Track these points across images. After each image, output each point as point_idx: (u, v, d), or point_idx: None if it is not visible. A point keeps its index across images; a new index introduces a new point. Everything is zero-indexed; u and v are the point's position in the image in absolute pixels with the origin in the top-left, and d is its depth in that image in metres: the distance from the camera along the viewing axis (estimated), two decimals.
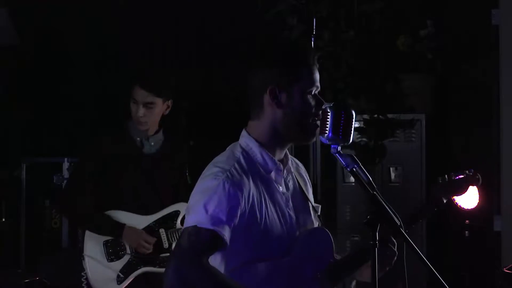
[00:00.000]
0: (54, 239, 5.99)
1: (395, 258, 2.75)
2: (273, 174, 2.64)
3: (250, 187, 2.54)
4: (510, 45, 5.69)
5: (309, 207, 2.76)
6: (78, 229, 5.11)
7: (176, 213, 4.20)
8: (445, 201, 2.98)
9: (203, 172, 2.58)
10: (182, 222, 4.13)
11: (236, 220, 2.49)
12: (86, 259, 4.09)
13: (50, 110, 6.41)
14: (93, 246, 4.11)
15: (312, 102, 2.57)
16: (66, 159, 5.80)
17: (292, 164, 2.76)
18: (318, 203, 2.87)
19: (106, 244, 4.11)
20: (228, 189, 2.48)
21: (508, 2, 5.72)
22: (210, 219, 2.43)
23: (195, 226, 2.44)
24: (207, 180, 2.52)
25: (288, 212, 2.65)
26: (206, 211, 2.44)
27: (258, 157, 2.61)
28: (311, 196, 2.84)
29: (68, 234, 5.81)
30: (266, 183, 2.61)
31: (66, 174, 5.74)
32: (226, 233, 2.45)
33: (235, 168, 2.54)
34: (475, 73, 5.90)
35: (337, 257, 2.74)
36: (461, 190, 3.03)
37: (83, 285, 4.15)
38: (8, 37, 6.17)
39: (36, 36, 6.41)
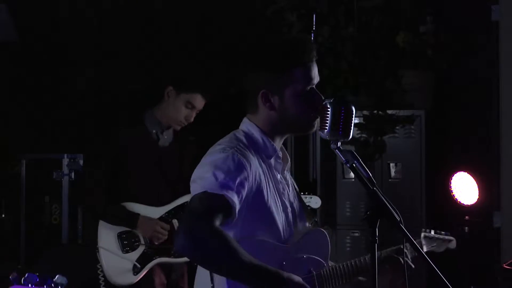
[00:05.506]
0: (53, 234, 6.00)
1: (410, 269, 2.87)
2: (272, 161, 2.64)
3: (256, 164, 2.54)
4: (510, 41, 5.68)
5: (302, 205, 2.75)
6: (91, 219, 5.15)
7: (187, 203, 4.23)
8: (425, 250, 3.10)
9: (208, 151, 2.56)
10: None
11: (244, 193, 2.46)
12: (101, 251, 4.10)
13: (50, 106, 6.41)
14: (107, 238, 4.12)
15: (308, 101, 2.57)
16: (65, 155, 5.80)
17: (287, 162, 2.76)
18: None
19: (120, 235, 4.12)
20: (237, 160, 2.47)
21: None
22: (220, 185, 2.40)
23: (205, 191, 2.40)
24: (215, 153, 2.50)
25: (283, 200, 2.63)
26: (216, 178, 2.41)
27: (260, 141, 2.61)
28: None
29: (67, 230, 5.81)
30: (267, 166, 2.61)
31: (65, 170, 5.74)
32: (236, 200, 2.42)
33: (240, 146, 2.54)
34: (474, 69, 5.90)
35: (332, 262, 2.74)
36: (438, 249, 3.21)
37: (100, 276, 4.15)
38: (7, 34, 6.17)
39: (35, 32, 6.41)
